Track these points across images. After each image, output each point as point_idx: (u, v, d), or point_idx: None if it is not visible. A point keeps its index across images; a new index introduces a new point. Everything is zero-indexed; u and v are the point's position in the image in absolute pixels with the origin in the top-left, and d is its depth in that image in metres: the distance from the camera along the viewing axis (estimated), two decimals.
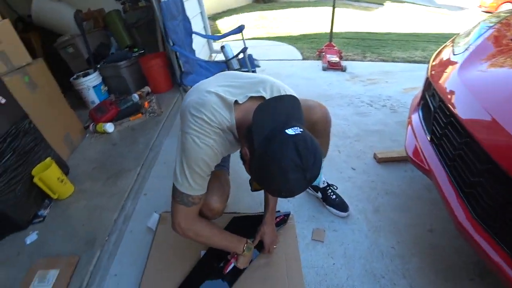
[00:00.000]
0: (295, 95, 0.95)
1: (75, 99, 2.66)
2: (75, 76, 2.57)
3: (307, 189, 1.58)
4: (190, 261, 1.27)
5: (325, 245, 1.34)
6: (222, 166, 1.24)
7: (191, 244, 1.26)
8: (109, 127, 2.29)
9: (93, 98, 2.61)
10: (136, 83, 2.80)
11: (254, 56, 2.24)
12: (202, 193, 0.96)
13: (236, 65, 1.98)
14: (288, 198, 1.58)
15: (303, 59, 3.71)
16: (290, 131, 0.74)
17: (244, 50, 1.80)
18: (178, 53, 1.96)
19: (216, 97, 0.90)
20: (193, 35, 2.20)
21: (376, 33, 5.10)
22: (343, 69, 3.20)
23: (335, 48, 3.50)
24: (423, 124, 1.37)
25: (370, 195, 1.59)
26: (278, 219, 1.40)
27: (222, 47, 2.03)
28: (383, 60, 3.55)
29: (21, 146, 1.61)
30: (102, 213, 1.59)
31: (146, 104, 2.55)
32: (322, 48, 3.57)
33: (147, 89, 2.78)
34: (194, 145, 0.87)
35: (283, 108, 0.83)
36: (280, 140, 0.73)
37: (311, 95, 2.65)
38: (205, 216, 1.10)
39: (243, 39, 2.19)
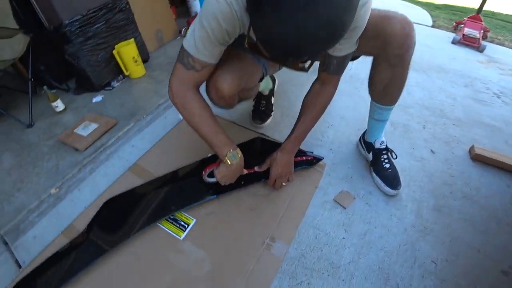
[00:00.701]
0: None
1: (185, 8, 2.69)
2: None
3: (360, 147, 1.19)
4: (195, 158, 1.13)
5: (345, 213, 0.99)
6: (259, 61, 0.97)
7: (203, 145, 1.10)
8: None
9: (197, 9, 2.58)
10: None
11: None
12: (206, 60, 0.75)
13: None
14: (332, 147, 1.23)
15: (433, 26, 2.84)
16: None
17: None
18: None
19: None
20: None
21: None
22: (479, 49, 2.31)
23: (481, 23, 2.53)
24: None
25: (439, 189, 1.10)
26: (303, 157, 1.10)
27: None
28: None
29: (113, 21, 1.67)
30: (153, 97, 1.58)
31: None
32: (463, 20, 2.64)
33: None
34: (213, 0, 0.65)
35: None
36: None
37: (418, 61, 2.01)
38: (211, 97, 0.91)
39: None
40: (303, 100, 0.97)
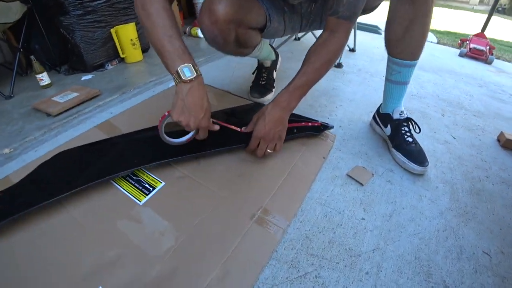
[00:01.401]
0: None
1: (191, 9, 2.62)
2: None
3: (375, 125, 0.96)
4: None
5: (362, 191, 0.73)
6: (262, 2, 0.79)
7: None
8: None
9: None
10: None
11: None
12: None
13: None
14: (341, 125, 0.99)
15: (438, 43, 2.71)
16: None
17: None
18: None
19: None
20: None
21: None
22: (487, 61, 2.14)
23: (486, 40, 2.40)
24: None
25: (472, 172, 0.84)
26: (309, 123, 0.85)
27: None
28: None
29: (116, 1, 1.52)
30: (145, 75, 1.41)
31: None
32: (468, 38, 2.52)
33: None
34: None
35: None
36: None
37: (428, 64, 1.83)
38: (203, 23, 0.70)
39: None
40: (307, 51, 0.75)
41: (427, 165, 0.78)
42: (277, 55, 1.19)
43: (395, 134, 0.84)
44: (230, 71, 1.41)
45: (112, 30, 1.50)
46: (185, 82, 0.59)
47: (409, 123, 0.85)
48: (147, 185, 0.65)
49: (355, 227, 0.63)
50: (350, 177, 0.76)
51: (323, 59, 0.72)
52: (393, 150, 0.83)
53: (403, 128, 0.83)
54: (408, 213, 0.67)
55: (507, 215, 0.70)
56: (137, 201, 0.62)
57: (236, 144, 0.75)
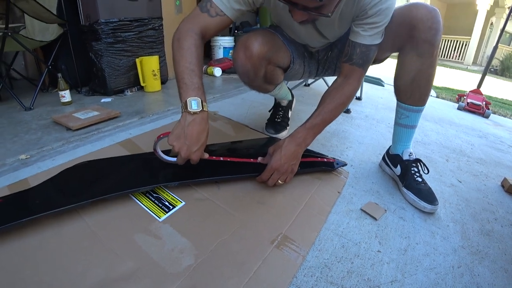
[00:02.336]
0: None
1: (208, 51, 2.85)
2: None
3: (384, 165, 1.02)
4: None
5: (376, 225, 0.75)
6: (288, 46, 0.92)
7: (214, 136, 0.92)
8: (217, 71, 2.30)
9: (219, 56, 2.71)
10: None
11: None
12: (222, 9, 0.72)
13: None
14: (352, 164, 1.05)
15: (437, 97, 2.92)
16: None
17: None
18: None
19: None
20: None
21: None
22: (485, 115, 2.29)
23: (482, 95, 2.60)
24: None
25: (480, 214, 0.88)
26: (324, 159, 0.91)
27: None
28: None
29: (144, 35, 1.71)
30: (163, 104, 1.51)
31: None
32: (464, 93, 2.73)
33: None
34: None
35: None
36: None
37: (429, 114, 1.97)
38: (238, 58, 0.81)
39: None
40: (323, 95, 0.85)
41: (437, 204, 0.82)
42: (292, 96, 1.30)
43: (405, 174, 0.90)
44: (245, 108, 1.52)
45: (137, 60, 1.63)
46: (189, 113, 0.65)
47: (418, 164, 0.90)
48: (167, 203, 0.68)
49: (372, 258, 0.65)
50: (364, 211, 0.79)
51: (337, 102, 0.80)
52: (404, 189, 0.88)
53: (412, 169, 0.89)
54: (422, 249, 0.69)
55: None
56: (156, 217, 0.64)
57: (252, 173, 0.79)
